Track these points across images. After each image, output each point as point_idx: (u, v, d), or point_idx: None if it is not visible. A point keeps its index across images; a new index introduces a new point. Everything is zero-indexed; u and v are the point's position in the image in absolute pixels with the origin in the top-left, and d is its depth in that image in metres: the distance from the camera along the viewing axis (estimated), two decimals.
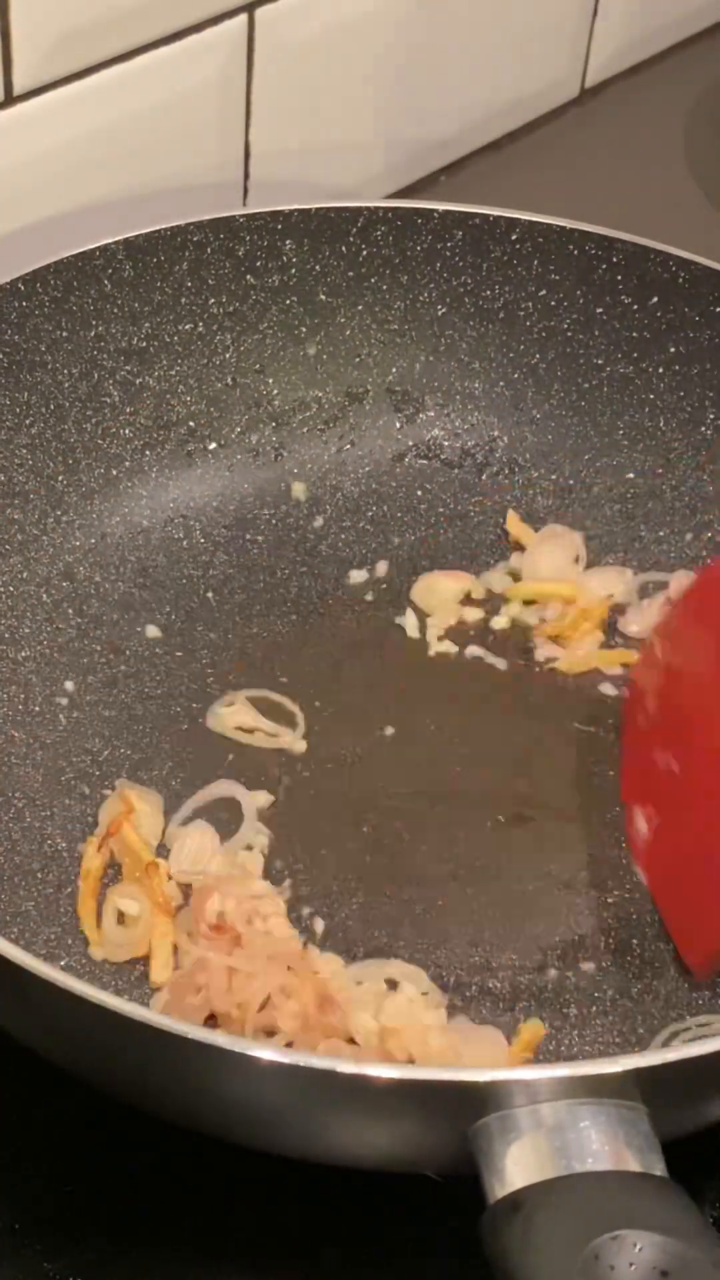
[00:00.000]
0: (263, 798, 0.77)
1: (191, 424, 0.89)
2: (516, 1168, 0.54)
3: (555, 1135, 0.55)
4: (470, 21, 1.02)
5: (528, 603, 0.85)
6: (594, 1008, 0.71)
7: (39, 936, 0.71)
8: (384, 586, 0.86)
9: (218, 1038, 0.56)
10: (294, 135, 0.95)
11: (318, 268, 0.89)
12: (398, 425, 0.92)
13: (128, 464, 0.87)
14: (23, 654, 0.81)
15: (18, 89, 0.81)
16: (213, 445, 0.89)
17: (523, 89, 1.11)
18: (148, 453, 0.88)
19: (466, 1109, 0.56)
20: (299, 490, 0.89)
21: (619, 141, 1.14)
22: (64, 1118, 0.68)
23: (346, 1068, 0.55)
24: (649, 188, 1.09)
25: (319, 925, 0.73)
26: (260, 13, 0.90)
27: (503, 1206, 0.53)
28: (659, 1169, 0.55)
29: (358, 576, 0.87)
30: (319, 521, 0.89)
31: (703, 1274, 0.51)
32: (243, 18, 0.89)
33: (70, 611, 0.83)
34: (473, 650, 0.84)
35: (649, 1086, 0.55)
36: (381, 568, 0.87)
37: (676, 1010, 0.71)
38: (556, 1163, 0.54)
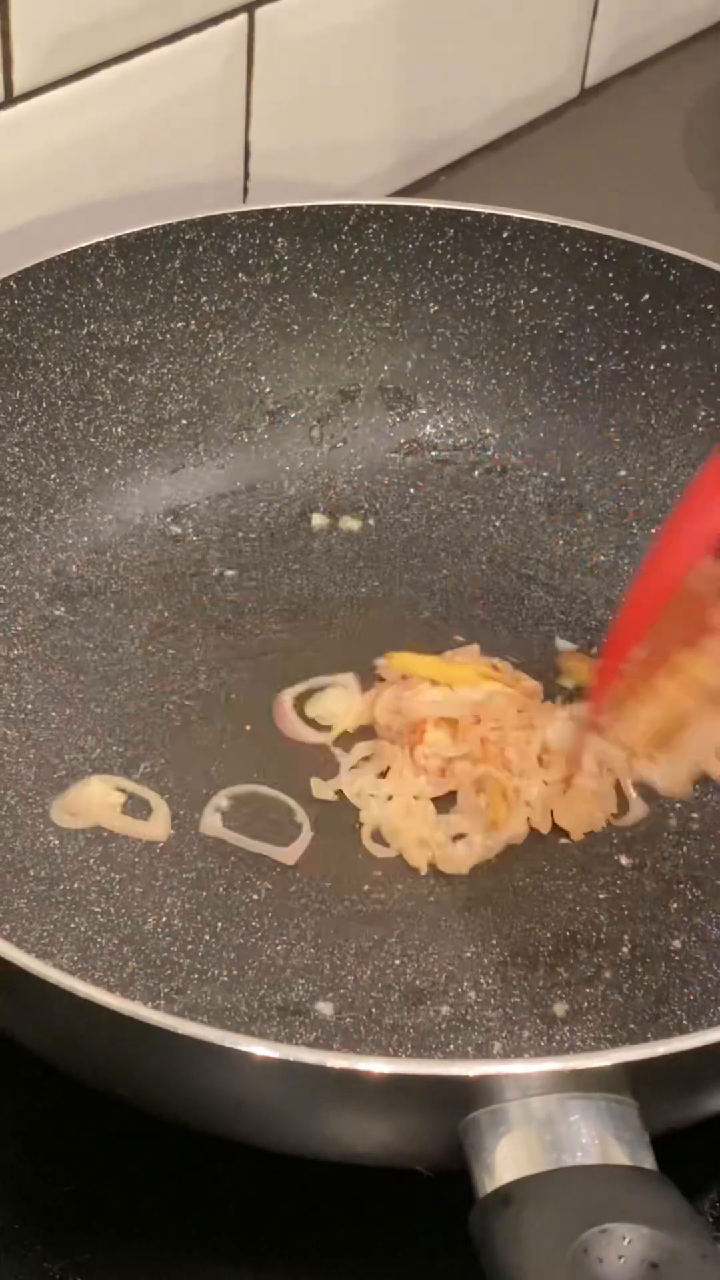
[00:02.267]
0: None
1: (184, 422, 0.89)
2: (506, 1162, 0.54)
3: (545, 1129, 0.55)
4: (470, 21, 1.02)
5: None
6: (585, 1004, 0.71)
7: (31, 934, 0.71)
8: (375, 584, 0.86)
9: (209, 1032, 0.56)
10: (294, 135, 0.96)
11: (310, 266, 0.89)
12: (390, 423, 0.92)
13: (120, 462, 0.87)
14: (15, 652, 0.81)
15: (18, 89, 0.82)
16: (205, 443, 0.89)
17: (523, 89, 1.11)
18: (140, 451, 0.88)
19: (456, 1103, 0.56)
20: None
21: (619, 141, 1.14)
22: (64, 1117, 0.68)
23: (336, 1062, 0.55)
24: (649, 187, 1.09)
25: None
26: (260, 13, 0.90)
27: (492, 1200, 0.53)
28: (649, 1163, 0.55)
29: (350, 574, 0.87)
30: (311, 519, 0.89)
31: (692, 1266, 0.51)
32: (243, 18, 0.89)
33: (62, 609, 0.83)
34: None
35: (639, 1080, 0.56)
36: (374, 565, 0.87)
37: (668, 1006, 0.71)
38: (546, 1157, 0.54)
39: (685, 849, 0.77)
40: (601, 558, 0.88)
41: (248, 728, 0.80)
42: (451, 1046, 0.69)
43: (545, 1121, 0.55)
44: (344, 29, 0.94)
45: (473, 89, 1.07)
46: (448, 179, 1.09)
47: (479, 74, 1.06)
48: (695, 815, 0.78)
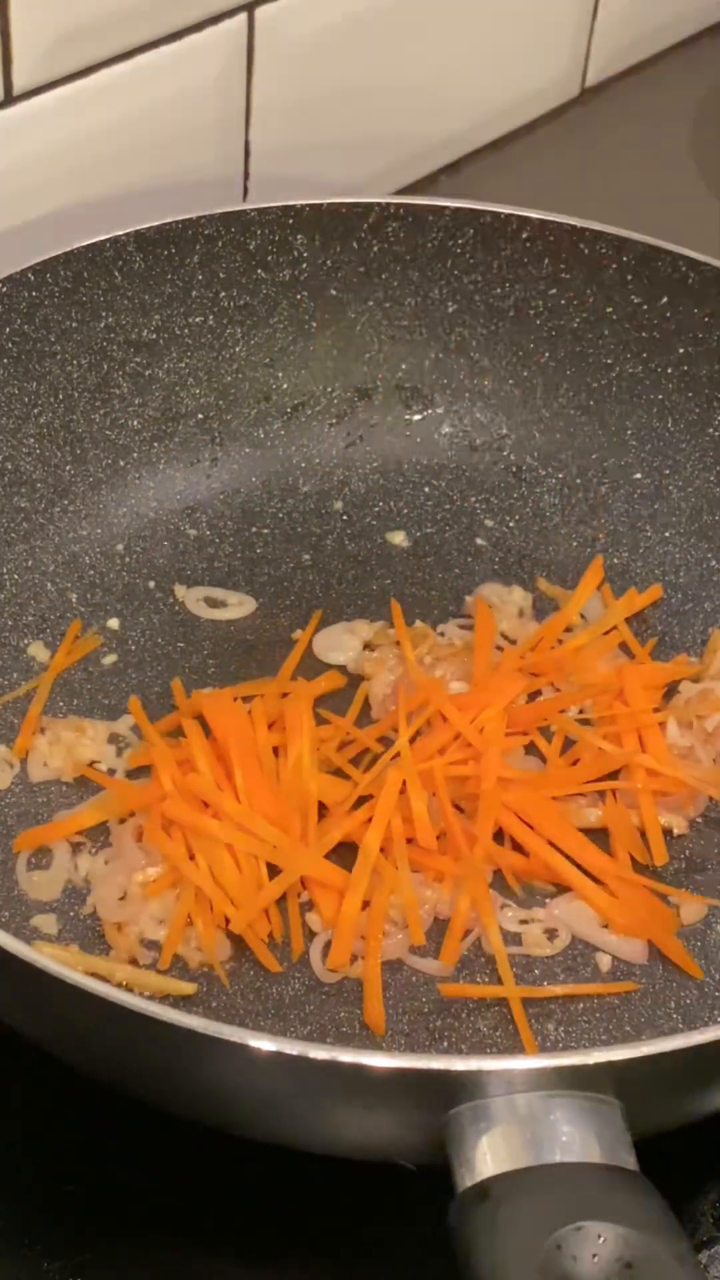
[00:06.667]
0: None
1: (200, 417, 0.89)
2: (486, 1157, 0.54)
3: (527, 1126, 0.55)
4: (471, 21, 1.02)
5: None
6: (580, 1005, 0.71)
7: (29, 921, 0.72)
8: (387, 582, 0.86)
9: (194, 1021, 0.56)
10: (294, 135, 0.96)
11: (329, 263, 0.89)
12: (407, 422, 0.92)
13: (135, 455, 0.88)
14: (25, 642, 0.82)
15: (18, 89, 0.82)
16: (221, 438, 0.89)
17: (523, 89, 1.11)
18: (156, 445, 0.88)
19: (440, 1098, 0.56)
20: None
21: (619, 141, 1.14)
22: (64, 1117, 0.68)
23: (320, 1054, 0.55)
24: (649, 188, 1.09)
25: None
26: (260, 13, 0.90)
27: (469, 1195, 0.53)
28: (629, 1163, 0.55)
29: (363, 571, 0.87)
30: (326, 516, 0.89)
31: (666, 1267, 0.51)
32: (242, 17, 0.89)
33: (74, 600, 0.84)
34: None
35: (622, 1080, 0.56)
36: (388, 563, 0.87)
37: (663, 1009, 0.71)
38: (526, 1153, 0.54)
39: (687, 852, 0.77)
40: (615, 560, 0.88)
41: None
42: (445, 1043, 0.69)
43: (527, 1118, 0.55)
44: (344, 29, 0.94)
45: (473, 89, 1.07)
46: (447, 179, 1.10)
47: (479, 74, 1.06)
48: (700, 820, 0.78)
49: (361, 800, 0.74)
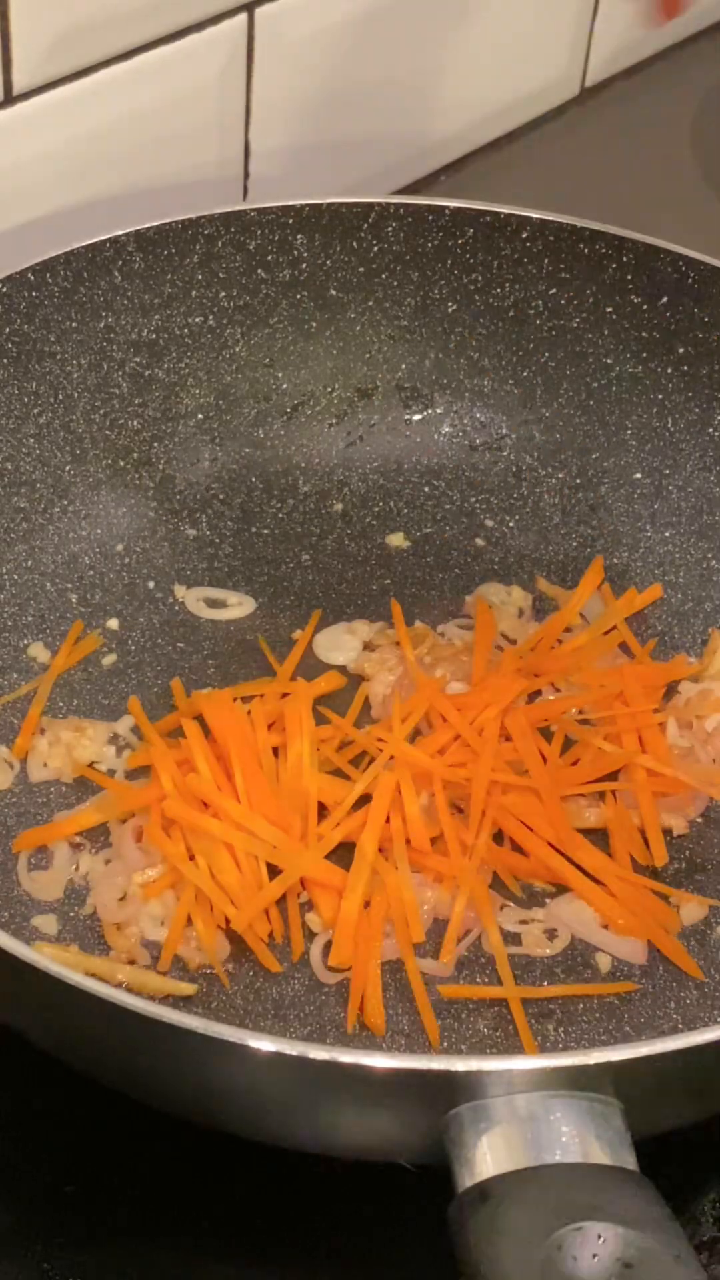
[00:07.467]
0: None
1: (200, 417, 0.89)
2: (486, 1157, 0.54)
3: (527, 1126, 0.55)
4: (470, 21, 1.02)
5: None
6: (580, 1005, 0.71)
7: (29, 921, 0.72)
8: (386, 582, 0.86)
9: (194, 1021, 0.56)
10: (293, 134, 0.96)
11: (329, 263, 0.89)
12: (407, 422, 0.92)
13: (135, 456, 0.88)
14: (25, 642, 0.82)
15: (17, 89, 0.82)
16: (221, 438, 0.89)
17: (523, 89, 1.11)
18: (155, 445, 0.88)
19: (440, 1098, 0.56)
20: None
21: (619, 141, 1.14)
22: (64, 1118, 0.68)
23: (320, 1054, 0.55)
24: (648, 188, 1.09)
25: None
26: (260, 12, 0.90)
27: (470, 1196, 0.53)
28: (630, 1163, 0.55)
29: (362, 571, 0.87)
30: (326, 516, 0.89)
31: (665, 1266, 0.51)
32: (242, 17, 0.90)
33: (74, 600, 0.84)
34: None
35: (623, 1080, 0.56)
36: (388, 564, 0.87)
37: (663, 1009, 0.71)
38: (526, 1153, 0.54)
39: (687, 852, 0.77)
40: (615, 560, 0.88)
41: None
42: (445, 1043, 0.69)
43: (527, 1118, 0.55)
44: (344, 29, 0.94)
45: (473, 89, 1.07)
46: (448, 179, 1.10)
47: (479, 74, 1.06)
48: (700, 820, 0.78)
49: (362, 801, 0.74)
